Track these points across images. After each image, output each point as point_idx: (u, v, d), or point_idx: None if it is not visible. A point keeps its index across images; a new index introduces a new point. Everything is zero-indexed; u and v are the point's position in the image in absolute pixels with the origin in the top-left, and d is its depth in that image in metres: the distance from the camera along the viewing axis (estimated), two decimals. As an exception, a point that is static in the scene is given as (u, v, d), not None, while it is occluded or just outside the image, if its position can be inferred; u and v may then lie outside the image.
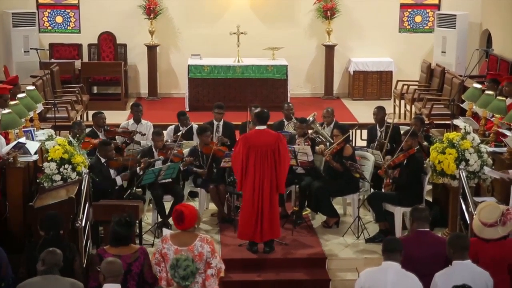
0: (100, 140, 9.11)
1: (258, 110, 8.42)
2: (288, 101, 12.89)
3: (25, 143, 8.03)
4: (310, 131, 9.60)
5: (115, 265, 5.67)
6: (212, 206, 9.38)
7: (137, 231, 8.07)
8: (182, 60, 14.93)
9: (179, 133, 9.79)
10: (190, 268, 5.35)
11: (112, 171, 8.75)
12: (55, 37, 15.30)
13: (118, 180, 8.68)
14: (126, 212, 6.74)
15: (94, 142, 9.32)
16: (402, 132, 9.29)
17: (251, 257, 8.28)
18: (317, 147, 9.22)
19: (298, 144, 9.19)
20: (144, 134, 9.95)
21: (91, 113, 13.43)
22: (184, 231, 6.14)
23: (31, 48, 13.59)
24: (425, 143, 9.06)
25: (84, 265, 7.03)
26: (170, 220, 8.93)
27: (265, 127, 8.23)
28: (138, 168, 8.81)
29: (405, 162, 8.62)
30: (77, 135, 9.11)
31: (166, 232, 7.05)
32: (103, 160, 8.71)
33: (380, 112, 9.88)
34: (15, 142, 7.93)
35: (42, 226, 6.53)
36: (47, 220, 6.53)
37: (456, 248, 5.87)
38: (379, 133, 9.79)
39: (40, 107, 9.87)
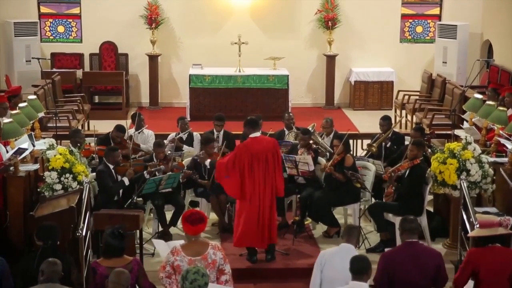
0: (108, 147, 9.13)
1: (248, 117, 8.37)
2: (289, 110, 12.90)
3: (26, 149, 8.04)
4: (310, 142, 9.59)
5: (122, 276, 5.66)
6: (213, 216, 9.36)
7: (138, 240, 8.06)
8: (183, 69, 14.97)
9: (177, 136, 9.98)
10: (198, 282, 5.29)
11: (119, 178, 8.75)
12: (56, 46, 15.35)
13: (126, 180, 8.67)
14: (120, 223, 6.73)
15: (93, 149, 9.32)
16: (407, 142, 9.32)
17: (252, 266, 8.26)
18: (321, 166, 9.18)
19: (301, 155, 9.18)
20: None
21: (92, 122, 13.54)
22: (196, 239, 6.07)
23: (32, 58, 13.61)
24: (429, 150, 9.03)
25: (85, 274, 7.02)
26: (171, 230, 8.96)
27: (259, 133, 8.23)
28: (145, 172, 8.82)
29: (407, 171, 8.61)
30: (79, 144, 9.12)
31: (158, 244, 6.99)
32: (111, 166, 8.71)
33: (385, 123, 9.90)
34: (16, 148, 7.93)
35: (39, 236, 6.53)
36: (44, 230, 6.53)
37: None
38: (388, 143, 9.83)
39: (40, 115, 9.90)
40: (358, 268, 5.80)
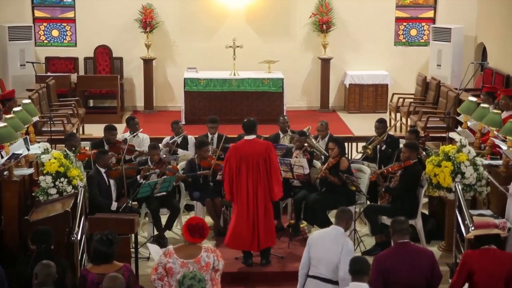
0: (98, 150, 9.10)
1: (245, 120, 8.41)
2: (284, 114, 12.90)
3: (21, 154, 8.02)
4: (305, 144, 9.59)
5: (117, 281, 5.63)
6: (208, 219, 9.35)
7: (133, 244, 8.04)
8: (178, 73, 14.96)
9: (172, 141, 9.98)
10: (194, 287, 5.31)
11: (112, 182, 8.72)
12: (51, 50, 15.33)
13: (114, 206, 8.58)
14: (114, 227, 6.72)
15: (89, 153, 9.31)
16: (401, 144, 9.33)
17: (248, 270, 8.26)
18: (317, 170, 9.17)
19: (296, 157, 9.19)
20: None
21: (87, 126, 13.54)
22: (191, 244, 6.12)
23: (27, 62, 13.59)
24: (424, 153, 9.03)
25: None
26: (166, 233, 8.95)
27: (254, 136, 8.23)
28: (138, 176, 8.80)
29: (400, 173, 8.63)
30: (73, 148, 9.12)
31: (152, 247, 7.00)
32: (102, 170, 8.68)
33: (381, 125, 9.90)
34: (10, 154, 7.92)
35: (33, 240, 6.55)
36: (38, 235, 6.54)
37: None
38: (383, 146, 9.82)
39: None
40: (358, 268, 5.83)
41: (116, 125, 10.62)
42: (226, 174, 8.18)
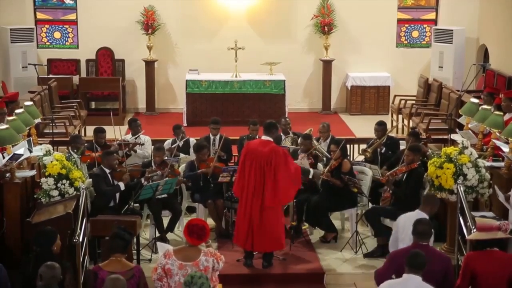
0: (104, 151, 9.14)
1: (267, 121, 8.47)
2: (286, 115, 12.90)
3: (22, 155, 8.03)
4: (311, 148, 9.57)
5: (119, 282, 5.64)
6: (210, 221, 9.35)
7: (135, 246, 8.05)
8: (180, 75, 14.97)
9: (174, 145, 9.96)
10: (205, 285, 5.34)
11: (116, 183, 8.73)
12: (53, 52, 15.35)
13: (122, 185, 8.65)
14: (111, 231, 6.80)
15: (94, 156, 9.33)
16: (403, 146, 9.32)
17: (249, 272, 8.25)
18: (318, 170, 9.16)
19: (300, 159, 9.19)
20: (143, 144, 10.02)
21: (89, 128, 13.54)
22: (191, 246, 6.14)
23: (29, 64, 13.61)
24: (429, 151, 9.02)
25: (82, 281, 7.00)
26: (168, 235, 8.96)
27: (269, 138, 8.21)
28: (142, 179, 8.82)
29: (405, 176, 8.63)
30: (75, 150, 9.12)
31: (161, 246, 7.03)
32: (107, 171, 8.70)
33: (380, 128, 9.88)
34: (11, 154, 7.93)
35: (34, 241, 6.56)
36: (38, 236, 6.54)
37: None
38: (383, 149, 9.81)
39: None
40: (417, 262, 5.90)
41: (117, 127, 10.61)
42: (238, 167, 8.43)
